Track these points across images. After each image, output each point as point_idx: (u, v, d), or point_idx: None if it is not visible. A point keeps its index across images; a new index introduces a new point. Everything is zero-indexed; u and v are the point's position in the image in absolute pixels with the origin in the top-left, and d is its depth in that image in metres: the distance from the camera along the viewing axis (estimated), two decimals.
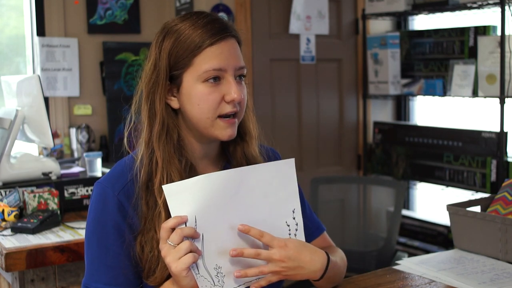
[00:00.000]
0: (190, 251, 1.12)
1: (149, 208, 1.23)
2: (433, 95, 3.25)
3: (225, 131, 1.25)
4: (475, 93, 3.01)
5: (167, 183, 1.19)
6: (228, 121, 1.24)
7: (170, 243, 1.12)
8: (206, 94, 1.22)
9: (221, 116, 1.24)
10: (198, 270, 1.15)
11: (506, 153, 2.92)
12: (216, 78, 1.23)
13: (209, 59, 1.21)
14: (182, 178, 1.21)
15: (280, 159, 1.45)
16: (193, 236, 1.14)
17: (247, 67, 1.30)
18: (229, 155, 1.36)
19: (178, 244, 1.11)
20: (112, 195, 1.24)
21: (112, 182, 1.26)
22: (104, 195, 1.25)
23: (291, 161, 1.23)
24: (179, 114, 1.29)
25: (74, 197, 2.33)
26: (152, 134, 1.24)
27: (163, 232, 1.13)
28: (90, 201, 1.28)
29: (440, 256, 1.70)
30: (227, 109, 1.23)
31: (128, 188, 1.25)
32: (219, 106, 1.23)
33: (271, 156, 1.45)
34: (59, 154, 3.23)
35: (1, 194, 2.20)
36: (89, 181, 2.37)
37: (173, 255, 1.11)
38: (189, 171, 1.26)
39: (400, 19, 3.74)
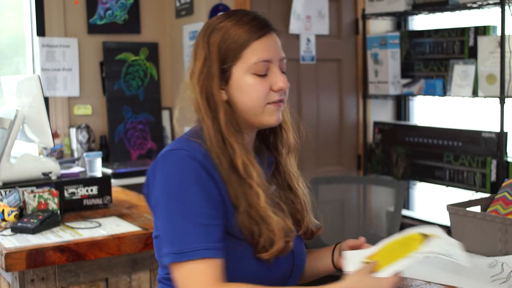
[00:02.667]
0: None
1: (239, 189, 1.27)
2: (433, 95, 3.25)
3: (274, 116, 1.34)
4: (475, 93, 3.01)
5: (251, 165, 1.29)
6: (276, 104, 1.34)
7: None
8: (256, 84, 1.31)
9: (269, 103, 1.33)
10: None
11: (506, 153, 2.92)
12: (264, 73, 1.32)
13: (257, 51, 1.31)
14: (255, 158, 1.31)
15: None
16: None
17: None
18: (270, 146, 1.45)
19: None
20: (196, 157, 1.25)
21: (191, 150, 1.27)
22: (187, 156, 1.24)
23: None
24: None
25: (74, 197, 2.33)
26: (220, 124, 1.30)
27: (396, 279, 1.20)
28: (165, 168, 1.25)
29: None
30: (275, 97, 1.33)
31: (207, 161, 1.26)
32: (268, 95, 1.32)
33: None
34: (59, 154, 3.23)
35: (1, 194, 2.20)
36: (89, 181, 2.36)
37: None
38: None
39: (400, 19, 3.74)
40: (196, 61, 1.34)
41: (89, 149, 3.17)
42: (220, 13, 1.39)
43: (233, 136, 1.30)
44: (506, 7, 2.77)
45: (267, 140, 1.46)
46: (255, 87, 1.31)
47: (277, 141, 1.45)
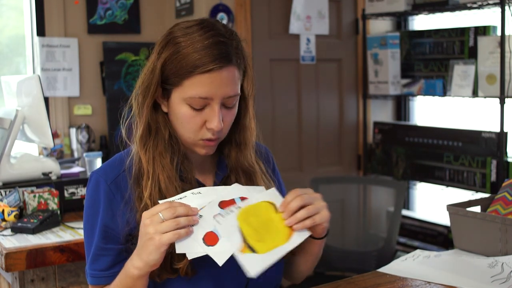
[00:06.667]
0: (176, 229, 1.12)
1: (140, 203, 1.26)
2: (433, 95, 3.25)
3: (203, 149, 1.29)
4: (475, 93, 3.01)
5: (152, 181, 1.24)
6: (207, 143, 1.27)
7: (160, 215, 1.12)
8: (189, 116, 1.24)
9: (202, 140, 1.26)
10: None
11: (506, 153, 2.92)
12: (199, 107, 1.23)
13: (197, 86, 1.20)
14: (168, 176, 1.25)
15: (271, 158, 1.51)
16: (187, 215, 1.14)
17: (243, 91, 1.31)
18: (224, 156, 1.38)
19: (166, 220, 1.12)
20: (104, 184, 1.28)
21: (106, 172, 1.30)
22: (97, 184, 1.29)
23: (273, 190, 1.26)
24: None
25: (74, 197, 2.33)
26: (138, 135, 1.29)
27: (161, 206, 1.14)
28: (86, 190, 1.34)
29: (440, 256, 1.70)
30: (207, 135, 1.25)
31: (120, 180, 1.29)
32: (201, 130, 1.25)
33: (263, 152, 1.47)
34: (59, 154, 3.23)
35: (1, 194, 2.20)
36: None
37: (158, 227, 1.11)
38: (187, 164, 1.31)
39: (400, 19, 3.74)
40: (147, 64, 1.27)
41: (89, 149, 3.17)
42: (188, 21, 1.26)
43: (146, 150, 1.27)
44: (506, 7, 2.77)
45: (223, 149, 1.38)
46: (188, 119, 1.23)
47: (231, 155, 1.36)
